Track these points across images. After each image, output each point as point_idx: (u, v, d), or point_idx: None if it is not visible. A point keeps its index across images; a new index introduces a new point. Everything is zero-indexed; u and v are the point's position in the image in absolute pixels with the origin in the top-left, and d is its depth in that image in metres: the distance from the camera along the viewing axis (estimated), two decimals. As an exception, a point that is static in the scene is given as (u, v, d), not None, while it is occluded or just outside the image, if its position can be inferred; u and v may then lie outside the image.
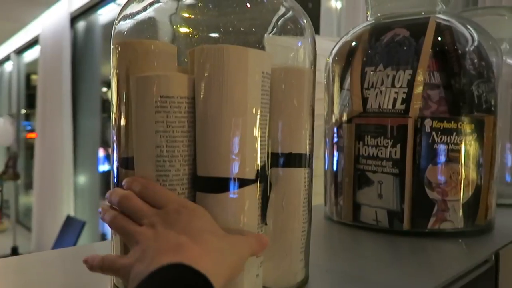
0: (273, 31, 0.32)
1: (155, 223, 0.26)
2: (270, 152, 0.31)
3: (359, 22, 1.26)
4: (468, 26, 0.51)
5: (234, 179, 0.27)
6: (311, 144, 0.33)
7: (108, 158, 3.20)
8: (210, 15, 0.33)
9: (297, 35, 0.33)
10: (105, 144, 3.19)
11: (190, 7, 0.34)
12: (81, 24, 3.08)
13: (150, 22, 0.34)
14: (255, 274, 0.29)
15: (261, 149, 0.29)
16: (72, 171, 3.09)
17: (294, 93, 0.31)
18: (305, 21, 0.33)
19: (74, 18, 3.00)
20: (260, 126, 0.28)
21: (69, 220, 2.41)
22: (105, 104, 3.29)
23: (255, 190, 0.28)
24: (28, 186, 4.05)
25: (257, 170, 0.28)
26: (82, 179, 3.18)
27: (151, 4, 0.34)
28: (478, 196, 0.49)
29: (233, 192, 0.27)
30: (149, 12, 0.33)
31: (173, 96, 0.28)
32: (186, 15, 0.34)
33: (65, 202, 3.01)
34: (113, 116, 0.33)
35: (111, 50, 0.33)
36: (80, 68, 3.11)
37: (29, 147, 4.13)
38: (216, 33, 0.32)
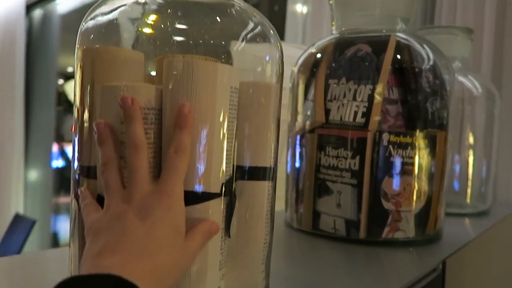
0: (241, 45, 0.33)
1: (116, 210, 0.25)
2: (235, 164, 0.31)
3: (324, 29, 1.29)
4: (425, 46, 0.54)
5: (199, 192, 0.27)
6: (276, 156, 0.34)
7: (62, 154, 3.07)
8: (178, 23, 0.33)
9: (265, 50, 0.33)
10: (60, 138, 3.06)
11: (158, 12, 0.34)
12: (37, 13, 2.93)
13: (118, 26, 0.33)
14: (216, 286, 0.29)
15: (227, 163, 0.29)
16: (22, 166, 2.93)
17: (261, 108, 0.32)
18: (273, 38, 0.33)
19: (30, 6, 2.85)
20: (227, 141, 0.29)
21: (17, 219, 2.28)
22: (61, 97, 3.15)
23: (219, 204, 0.29)
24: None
25: (222, 184, 0.29)
26: (33, 174, 3.03)
27: (120, 7, 0.33)
28: (429, 207, 0.52)
29: (198, 205, 0.28)
30: (118, 15, 0.33)
31: (140, 107, 0.27)
32: (154, 21, 0.34)
33: (13, 199, 2.85)
34: (75, 123, 0.32)
35: (76, 53, 0.32)
36: (35, 59, 2.96)
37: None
38: (184, 42, 0.32)
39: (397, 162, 0.50)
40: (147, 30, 0.33)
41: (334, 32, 0.58)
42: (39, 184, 2.96)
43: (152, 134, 0.28)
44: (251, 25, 0.33)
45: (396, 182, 0.50)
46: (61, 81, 3.24)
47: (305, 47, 1.08)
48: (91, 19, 0.33)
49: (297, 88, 0.59)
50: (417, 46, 0.53)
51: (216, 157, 0.28)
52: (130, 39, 0.34)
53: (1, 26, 3.06)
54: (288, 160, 0.61)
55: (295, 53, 0.92)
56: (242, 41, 0.33)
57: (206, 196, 0.28)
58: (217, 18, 0.33)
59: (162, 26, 0.33)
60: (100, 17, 0.33)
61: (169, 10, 0.34)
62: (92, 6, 0.34)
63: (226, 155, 0.29)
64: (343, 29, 0.57)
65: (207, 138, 0.27)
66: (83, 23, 0.33)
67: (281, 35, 1.51)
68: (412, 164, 0.50)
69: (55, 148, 3.01)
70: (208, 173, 0.28)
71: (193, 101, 0.27)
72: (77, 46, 0.33)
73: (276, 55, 0.34)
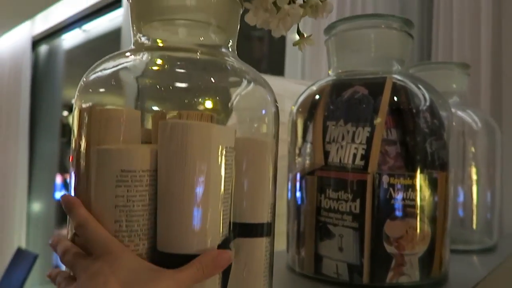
0: (236, 100, 0.33)
1: (79, 276, 0.26)
2: (232, 221, 0.31)
3: (323, 58, 1.31)
4: (420, 86, 0.54)
5: (195, 256, 0.27)
6: (273, 211, 0.33)
7: (65, 185, 3.07)
8: (175, 78, 0.33)
9: (261, 106, 0.34)
10: (63, 170, 3.07)
11: (156, 68, 0.34)
12: (43, 48, 3.00)
13: (117, 81, 0.34)
14: None
15: (223, 223, 0.29)
16: (25, 198, 2.93)
17: (257, 165, 0.32)
18: (268, 95, 0.34)
19: (36, 42, 2.92)
20: (223, 201, 0.29)
21: (19, 253, 2.26)
22: (65, 128, 3.19)
23: (215, 266, 0.28)
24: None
25: (219, 245, 0.28)
26: (36, 206, 3.02)
27: (120, 64, 0.34)
28: (433, 249, 0.51)
29: (194, 268, 0.27)
30: (118, 71, 0.33)
31: (135, 170, 0.27)
32: (152, 76, 0.34)
33: (16, 232, 2.83)
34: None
35: (74, 109, 0.33)
36: (41, 92, 3.01)
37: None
38: (181, 96, 0.32)
39: (398, 204, 0.49)
40: (146, 85, 0.34)
41: (330, 74, 0.59)
42: (42, 216, 2.95)
43: (147, 196, 0.28)
44: (245, 81, 0.33)
45: (398, 225, 0.49)
46: (65, 113, 3.29)
47: (305, 82, 1.10)
48: (92, 74, 0.34)
49: (296, 129, 0.59)
50: (413, 87, 0.53)
51: (212, 219, 0.28)
52: (129, 94, 0.34)
53: (7, 61, 3.13)
54: (288, 200, 0.60)
55: (294, 87, 0.93)
56: (237, 96, 0.33)
57: (202, 259, 0.27)
58: (214, 72, 0.34)
59: (160, 81, 0.34)
60: (101, 72, 0.33)
61: (166, 66, 0.35)
62: (94, 64, 0.35)
63: (223, 215, 0.29)
64: (340, 70, 0.58)
65: (202, 201, 0.27)
66: (84, 78, 0.34)
67: (281, 63, 1.53)
68: (414, 206, 0.49)
69: (58, 179, 3.02)
70: (203, 236, 0.27)
71: (188, 163, 0.27)
72: (76, 94, 0.33)
73: (271, 109, 0.34)
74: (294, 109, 0.61)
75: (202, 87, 0.32)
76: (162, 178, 0.27)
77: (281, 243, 0.66)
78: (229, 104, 0.32)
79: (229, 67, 0.33)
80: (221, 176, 0.28)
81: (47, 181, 2.99)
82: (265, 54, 1.93)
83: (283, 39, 1.61)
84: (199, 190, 0.27)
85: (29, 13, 2.83)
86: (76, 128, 0.31)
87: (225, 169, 0.29)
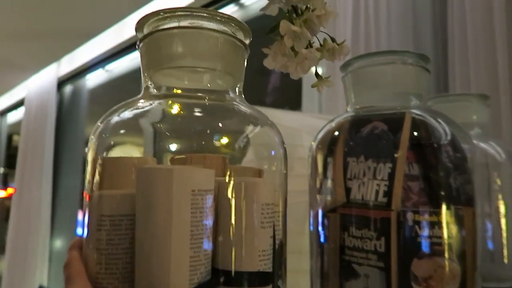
0: (244, 143, 0.33)
1: None
2: (219, 268, 0.30)
3: (339, 94, 1.32)
4: (440, 120, 0.54)
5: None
6: (269, 259, 0.32)
7: (87, 221, 3.10)
8: (185, 125, 0.34)
9: (269, 147, 0.34)
10: (85, 206, 3.11)
11: (170, 113, 0.36)
12: (68, 88, 3.13)
13: (130, 127, 0.35)
14: None
15: (195, 270, 0.28)
16: (48, 235, 2.97)
17: (245, 208, 0.30)
18: (276, 136, 0.34)
19: (62, 82, 3.06)
20: (191, 247, 0.28)
21: (41, 291, 2.26)
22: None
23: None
24: (0, 250, 3.85)
25: None
26: (58, 243, 3.05)
27: (133, 110, 0.35)
28: (464, 289, 0.49)
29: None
30: (133, 117, 0.35)
31: (113, 214, 0.29)
32: (163, 123, 0.35)
33: (38, 269, 2.85)
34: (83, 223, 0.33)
35: (88, 150, 0.34)
36: (65, 130, 3.11)
37: (5, 209, 3.98)
38: (194, 140, 0.33)
39: (425, 242, 0.48)
40: (158, 131, 0.35)
41: (348, 110, 0.60)
42: (64, 253, 2.97)
43: (128, 240, 0.29)
44: (252, 124, 0.34)
45: (426, 264, 0.47)
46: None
47: (322, 116, 1.10)
48: (107, 120, 0.35)
49: (316, 166, 0.59)
50: (432, 121, 0.53)
51: (175, 265, 0.27)
52: (141, 140, 0.35)
53: (33, 101, 3.27)
54: (310, 237, 0.59)
55: (312, 121, 0.93)
56: (245, 138, 0.34)
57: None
58: (222, 117, 0.34)
59: (169, 126, 0.35)
60: (115, 119, 0.35)
61: (176, 112, 0.36)
62: (110, 110, 0.37)
63: (193, 261, 0.28)
64: (357, 106, 0.59)
65: (163, 247, 0.27)
66: (99, 123, 0.35)
67: (299, 97, 1.55)
68: (441, 244, 0.48)
69: (80, 216, 3.06)
70: (166, 283, 0.26)
71: (151, 209, 0.27)
72: (91, 137, 0.35)
73: (280, 150, 0.35)
74: (314, 145, 0.61)
75: (211, 131, 0.33)
76: (138, 222, 0.28)
77: (304, 282, 0.64)
78: (237, 146, 0.32)
79: (236, 111, 0.34)
80: (187, 220, 0.28)
81: (69, 218, 3.03)
82: (282, 88, 1.96)
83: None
84: (160, 235, 0.27)
85: (56, 56, 2.97)
86: (89, 173, 0.32)
87: (194, 213, 0.28)
